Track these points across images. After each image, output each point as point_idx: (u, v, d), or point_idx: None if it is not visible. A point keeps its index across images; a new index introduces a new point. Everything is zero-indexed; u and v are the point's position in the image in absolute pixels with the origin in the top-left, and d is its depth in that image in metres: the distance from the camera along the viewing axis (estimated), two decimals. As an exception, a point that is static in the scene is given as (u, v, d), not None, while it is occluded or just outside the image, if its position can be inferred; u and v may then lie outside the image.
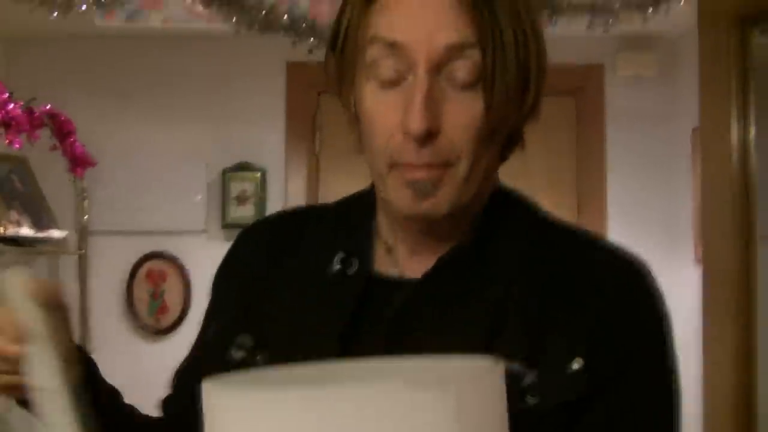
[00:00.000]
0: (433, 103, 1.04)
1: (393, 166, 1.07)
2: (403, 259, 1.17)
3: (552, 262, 1.14)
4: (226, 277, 1.29)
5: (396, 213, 1.12)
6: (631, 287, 1.14)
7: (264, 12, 3.22)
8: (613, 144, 4.52)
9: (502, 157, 1.17)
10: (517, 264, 1.13)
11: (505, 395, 0.83)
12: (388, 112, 1.06)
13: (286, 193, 4.50)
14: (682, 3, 3.04)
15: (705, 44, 2.59)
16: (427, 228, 1.14)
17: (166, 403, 1.31)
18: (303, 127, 4.51)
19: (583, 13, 3.24)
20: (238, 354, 1.16)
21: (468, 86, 1.05)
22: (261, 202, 4.46)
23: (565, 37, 2.92)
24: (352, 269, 1.16)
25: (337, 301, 1.15)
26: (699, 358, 2.52)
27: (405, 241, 1.17)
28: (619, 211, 4.48)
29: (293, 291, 1.19)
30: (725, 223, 2.45)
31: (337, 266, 1.17)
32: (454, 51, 1.04)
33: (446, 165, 1.06)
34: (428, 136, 1.04)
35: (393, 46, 1.05)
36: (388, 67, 1.06)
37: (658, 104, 4.51)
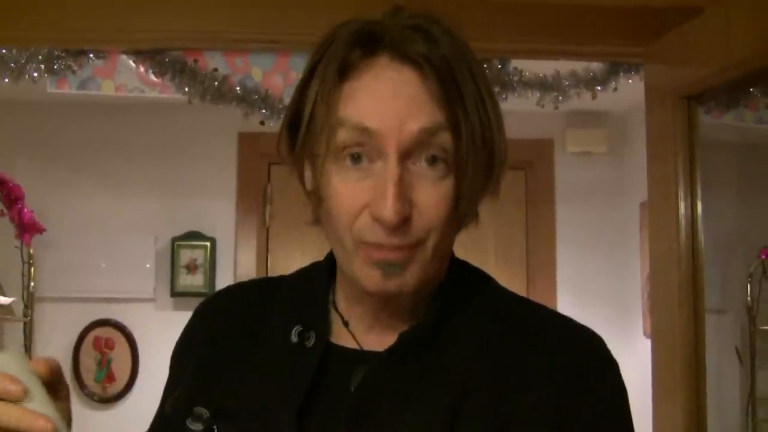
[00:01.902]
0: (404, 190, 1.04)
1: (359, 244, 1.07)
2: (360, 333, 1.17)
3: (513, 337, 1.14)
4: (185, 349, 1.28)
5: (361, 290, 1.12)
6: (593, 361, 1.15)
7: (217, 83, 3.23)
8: (563, 218, 4.56)
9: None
10: (479, 339, 1.13)
11: None
12: (355, 192, 1.06)
13: (235, 262, 4.48)
14: (630, 81, 3.10)
15: (652, 121, 2.62)
16: (387, 302, 1.14)
17: None
18: (253, 198, 4.51)
19: (533, 89, 3.28)
20: (194, 426, 1.14)
21: (438, 168, 1.06)
22: (210, 271, 4.43)
23: (515, 113, 2.92)
24: (310, 342, 1.16)
25: (295, 373, 1.13)
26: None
27: (362, 315, 1.17)
28: (568, 285, 4.50)
29: (252, 363, 1.18)
30: (674, 297, 2.47)
31: (294, 339, 1.16)
32: (425, 135, 1.05)
33: (416, 245, 1.06)
34: (401, 223, 1.04)
35: (362, 131, 1.05)
36: (356, 150, 1.06)
37: (607, 179, 4.56)
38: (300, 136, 1.11)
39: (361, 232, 1.06)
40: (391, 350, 1.12)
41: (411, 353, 1.12)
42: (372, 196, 1.05)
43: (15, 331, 4.18)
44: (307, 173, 1.14)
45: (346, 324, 1.18)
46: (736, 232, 3.34)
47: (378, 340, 1.15)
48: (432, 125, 1.05)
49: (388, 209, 1.02)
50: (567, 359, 1.13)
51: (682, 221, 2.47)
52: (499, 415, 1.07)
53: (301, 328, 1.17)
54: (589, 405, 1.10)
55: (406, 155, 1.05)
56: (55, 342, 4.35)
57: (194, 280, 4.42)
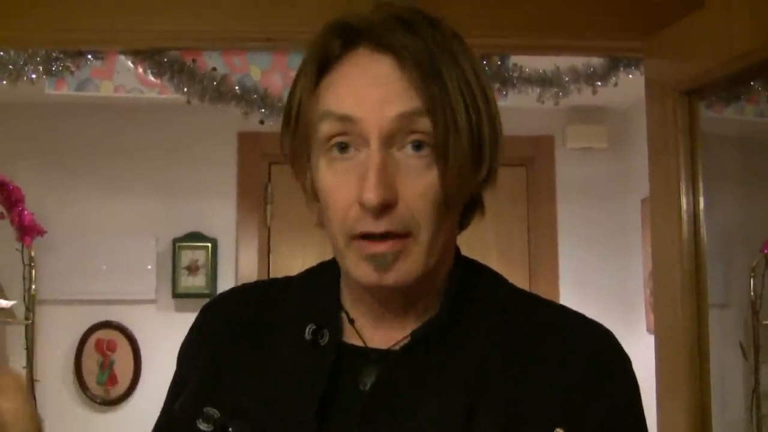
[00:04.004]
0: (387, 175, 1.04)
1: (352, 238, 1.07)
2: (366, 331, 1.17)
3: (525, 331, 1.15)
4: (191, 349, 1.28)
5: (358, 286, 1.13)
6: (605, 353, 1.15)
7: (215, 82, 3.22)
8: (564, 214, 4.55)
9: (462, 225, 1.18)
10: (490, 334, 1.14)
11: None
12: (345, 186, 1.07)
13: (237, 263, 4.47)
14: (630, 76, 3.09)
15: (653, 116, 2.61)
16: (389, 300, 1.14)
17: None
18: (254, 198, 4.50)
19: (533, 85, 3.27)
20: (205, 426, 1.14)
21: (422, 154, 1.06)
22: (212, 272, 4.42)
23: (516, 109, 2.94)
24: (324, 340, 1.16)
25: (311, 372, 1.14)
26: (653, 428, 2.52)
27: (367, 313, 1.17)
28: (570, 281, 4.50)
29: (263, 363, 1.18)
30: (677, 292, 2.46)
31: (308, 336, 1.16)
32: (405, 120, 1.05)
33: (406, 235, 1.06)
34: (385, 207, 1.04)
35: (344, 120, 1.06)
36: (341, 142, 1.07)
37: (608, 175, 4.56)
38: (290, 135, 1.14)
39: (352, 224, 1.07)
40: (405, 348, 1.13)
41: (423, 351, 1.12)
42: (358, 184, 1.05)
43: (17, 334, 4.18)
44: (307, 174, 1.15)
45: (351, 322, 1.18)
46: (739, 227, 3.33)
47: (383, 337, 1.15)
48: (409, 110, 1.05)
49: (370, 191, 1.03)
50: (579, 352, 1.13)
51: (684, 216, 2.46)
52: (512, 408, 1.07)
53: (314, 326, 1.17)
54: (601, 398, 1.10)
55: (388, 142, 1.06)
56: (57, 345, 4.35)
57: (196, 281, 4.41)
